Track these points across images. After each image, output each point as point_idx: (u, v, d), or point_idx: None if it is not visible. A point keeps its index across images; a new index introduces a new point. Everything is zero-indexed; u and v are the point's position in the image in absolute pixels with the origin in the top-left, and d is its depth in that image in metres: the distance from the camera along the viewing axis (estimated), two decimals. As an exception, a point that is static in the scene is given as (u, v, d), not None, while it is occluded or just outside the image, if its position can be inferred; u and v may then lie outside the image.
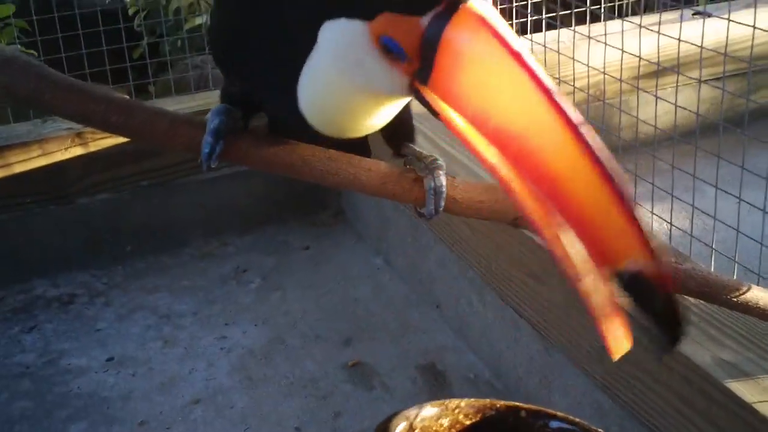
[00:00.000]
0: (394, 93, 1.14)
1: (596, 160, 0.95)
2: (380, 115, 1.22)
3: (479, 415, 1.28)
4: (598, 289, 0.98)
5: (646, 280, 0.96)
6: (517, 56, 0.96)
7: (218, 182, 2.99)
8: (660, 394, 1.68)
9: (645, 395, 1.72)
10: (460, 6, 0.98)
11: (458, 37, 0.98)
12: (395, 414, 1.21)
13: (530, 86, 0.96)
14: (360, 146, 1.38)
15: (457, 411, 1.27)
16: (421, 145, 2.44)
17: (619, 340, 1.00)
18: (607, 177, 0.95)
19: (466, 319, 2.41)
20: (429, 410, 1.25)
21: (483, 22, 0.97)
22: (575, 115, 0.95)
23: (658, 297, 0.97)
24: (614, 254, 0.96)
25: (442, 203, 1.33)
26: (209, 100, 2.92)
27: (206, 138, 1.23)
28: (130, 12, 3.84)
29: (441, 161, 1.33)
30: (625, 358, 1.73)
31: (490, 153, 1.00)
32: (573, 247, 0.98)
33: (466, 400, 1.29)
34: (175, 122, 1.25)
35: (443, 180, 1.32)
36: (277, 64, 1.18)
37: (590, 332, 1.83)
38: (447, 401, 1.27)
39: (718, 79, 3.26)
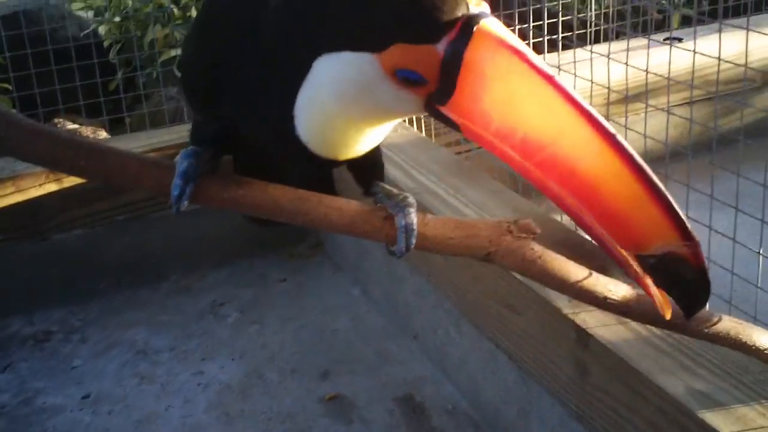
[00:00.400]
0: (408, 113, 1.19)
1: (627, 156, 1.04)
2: (381, 133, 1.26)
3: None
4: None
5: (681, 258, 1.07)
6: (538, 70, 1.03)
7: (195, 215, 2.95)
8: (635, 424, 1.68)
9: (620, 425, 1.72)
10: (476, 28, 1.02)
11: (480, 57, 1.03)
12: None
13: (554, 95, 1.03)
14: (327, 185, 1.39)
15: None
16: (395, 176, 2.47)
17: (664, 302, 1.14)
18: (638, 169, 1.04)
19: (443, 349, 2.41)
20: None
21: (501, 41, 1.03)
22: (598, 115, 1.03)
23: (691, 272, 1.08)
24: (652, 238, 1.07)
25: (413, 241, 1.34)
26: (184, 133, 2.91)
27: (176, 181, 1.23)
28: (105, 44, 3.85)
29: (411, 199, 1.35)
30: (601, 387, 1.74)
31: (514, 160, 1.08)
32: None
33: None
34: (145, 165, 1.25)
35: (414, 218, 1.33)
36: (267, 93, 1.19)
37: (565, 362, 1.84)
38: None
39: (688, 103, 3.31)
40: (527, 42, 2.82)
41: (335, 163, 1.28)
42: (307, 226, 1.33)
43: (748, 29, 1.97)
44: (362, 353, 2.56)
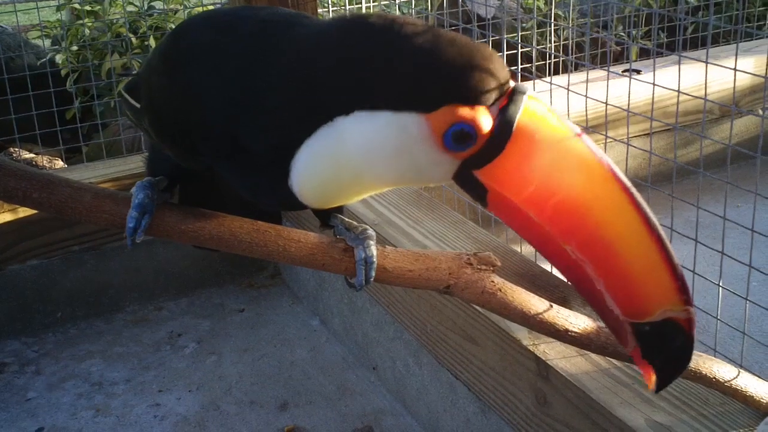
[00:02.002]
0: (434, 179, 1.16)
1: (650, 223, 1.08)
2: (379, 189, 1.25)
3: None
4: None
5: (677, 324, 1.10)
6: (580, 136, 1.08)
7: (153, 245, 2.96)
8: (595, 456, 1.68)
9: (581, 458, 1.72)
10: (526, 95, 1.07)
11: (531, 122, 1.07)
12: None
13: (597, 163, 1.08)
14: (276, 215, 1.38)
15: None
16: (355, 207, 2.46)
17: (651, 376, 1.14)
18: (657, 235, 1.08)
19: (402, 381, 2.40)
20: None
21: (548, 109, 1.08)
22: (627, 180, 1.08)
23: (681, 338, 1.11)
24: (658, 304, 1.10)
25: (373, 273, 1.33)
26: (141, 163, 2.87)
27: (131, 213, 1.22)
28: (63, 73, 3.82)
29: (371, 231, 1.34)
30: (561, 420, 1.74)
31: (534, 228, 1.11)
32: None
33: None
34: (99, 197, 1.23)
35: (374, 250, 1.33)
36: (260, 143, 1.15)
37: (524, 393, 1.83)
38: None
39: (647, 135, 3.34)
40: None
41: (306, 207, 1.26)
42: (265, 258, 1.32)
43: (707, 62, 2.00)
44: (321, 385, 2.54)
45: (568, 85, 2.39)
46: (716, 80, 3.05)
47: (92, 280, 2.89)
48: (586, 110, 2.34)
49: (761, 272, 1.70)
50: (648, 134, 3.33)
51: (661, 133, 3.35)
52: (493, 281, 1.38)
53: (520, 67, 2.83)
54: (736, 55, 1.93)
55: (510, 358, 1.88)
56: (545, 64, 3.45)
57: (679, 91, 1.99)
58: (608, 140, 2.30)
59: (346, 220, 1.36)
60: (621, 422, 1.59)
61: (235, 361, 2.66)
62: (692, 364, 1.46)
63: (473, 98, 1.05)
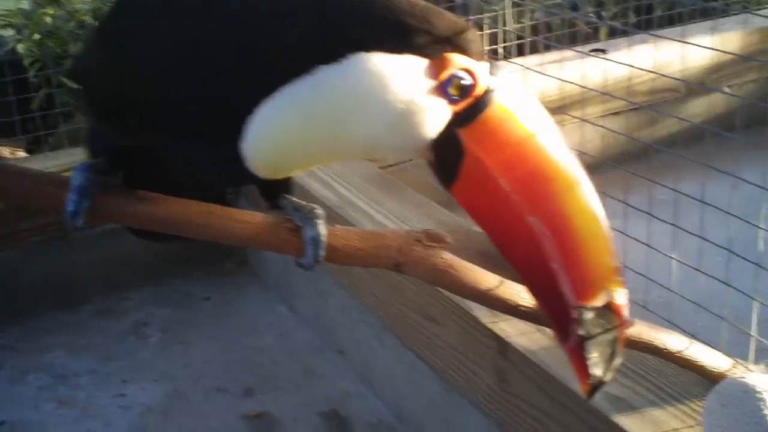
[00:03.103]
0: (425, 136, 1.10)
1: (593, 201, 1.10)
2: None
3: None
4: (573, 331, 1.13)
5: (615, 311, 1.11)
6: (546, 113, 1.11)
7: (117, 235, 2.92)
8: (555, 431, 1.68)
9: (541, 434, 1.72)
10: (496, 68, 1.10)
11: (506, 92, 1.09)
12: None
13: (557, 137, 1.10)
14: (222, 196, 1.37)
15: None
16: (316, 189, 2.45)
17: (586, 378, 1.15)
18: (601, 216, 1.10)
19: (368, 363, 2.39)
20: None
21: (518, 83, 1.12)
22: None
23: (616, 331, 1.13)
24: (599, 285, 1.11)
25: (322, 253, 1.32)
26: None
27: (70, 196, 1.19)
28: (26, 62, 3.77)
29: (319, 210, 1.32)
30: (520, 396, 1.74)
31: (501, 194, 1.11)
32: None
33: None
34: (39, 182, 1.22)
35: (322, 229, 1.31)
36: (208, 107, 1.10)
37: (485, 372, 1.83)
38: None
39: (615, 114, 3.35)
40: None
41: (258, 181, 1.22)
42: (213, 240, 1.31)
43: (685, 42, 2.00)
44: (288, 370, 2.53)
45: (542, 64, 2.39)
46: (680, 59, 3.06)
47: (56, 271, 2.86)
48: (542, 90, 2.34)
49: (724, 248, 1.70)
50: (615, 114, 3.35)
51: (629, 112, 3.35)
52: (443, 258, 1.37)
53: (486, 48, 2.83)
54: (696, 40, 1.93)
55: (470, 336, 1.88)
56: (511, 45, 3.44)
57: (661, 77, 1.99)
58: (574, 120, 2.30)
59: (295, 200, 1.35)
60: (577, 396, 1.60)
61: (201, 349, 2.65)
62: (644, 336, 1.46)
63: (471, 53, 1.07)
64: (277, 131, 1.10)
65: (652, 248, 1.82)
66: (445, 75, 1.06)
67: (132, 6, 1.20)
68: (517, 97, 1.11)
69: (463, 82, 1.07)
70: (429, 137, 1.10)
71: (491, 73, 1.10)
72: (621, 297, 1.12)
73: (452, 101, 1.08)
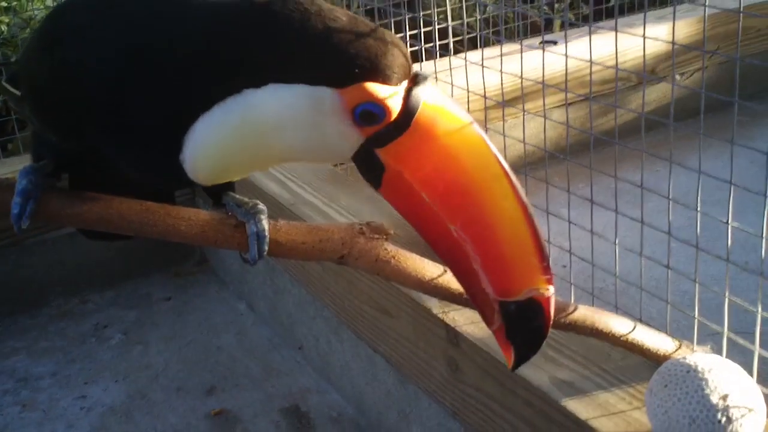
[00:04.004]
0: (337, 155, 1.19)
1: (526, 208, 1.14)
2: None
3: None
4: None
5: (539, 304, 1.16)
6: (471, 121, 1.13)
7: (76, 238, 2.93)
8: (506, 418, 1.71)
9: (493, 420, 1.75)
10: (428, 81, 1.12)
11: (433, 105, 1.12)
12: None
13: (487, 149, 1.14)
14: (170, 196, 1.39)
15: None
16: (271, 188, 2.46)
17: (510, 354, 1.21)
18: (531, 220, 1.14)
19: (326, 358, 2.41)
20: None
21: (444, 96, 1.13)
22: (510, 170, 1.14)
23: (540, 319, 1.17)
24: (522, 283, 1.16)
25: (266, 247, 1.34)
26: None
27: (15, 199, 1.21)
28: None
29: (262, 206, 1.35)
30: (472, 384, 1.76)
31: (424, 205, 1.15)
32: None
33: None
34: (-18, 185, 1.23)
35: (265, 224, 1.33)
36: (149, 118, 1.14)
37: (438, 361, 1.86)
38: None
39: (570, 104, 3.38)
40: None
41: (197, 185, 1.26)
42: (159, 237, 1.32)
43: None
44: (248, 367, 2.55)
45: (482, 64, 2.41)
46: (632, 48, 3.09)
47: (14, 275, 2.86)
48: (502, 84, 2.36)
49: (676, 239, 1.71)
50: (570, 104, 3.38)
51: (579, 103, 3.38)
52: (386, 249, 1.40)
53: (437, 43, 2.85)
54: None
55: (422, 327, 1.91)
56: (463, 39, 3.47)
57: (591, 62, 2.02)
58: (525, 113, 2.32)
59: (237, 196, 1.37)
60: (526, 382, 1.62)
61: (162, 350, 2.66)
62: (588, 321, 1.49)
63: (385, 79, 1.08)
64: (211, 144, 1.15)
65: (599, 236, 1.84)
66: (354, 105, 1.09)
67: (75, 10, 1.22)
68: (441, 110, 1.13)
69: (373, 111, 1.09)
70: (345, 156, 1.16)
71: (417, 85, 1.12)
72: (546, 292, 1.16)
73: (364, 127, 1.11)
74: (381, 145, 1.13)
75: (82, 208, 1.27)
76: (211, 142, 1.14)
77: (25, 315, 2.86)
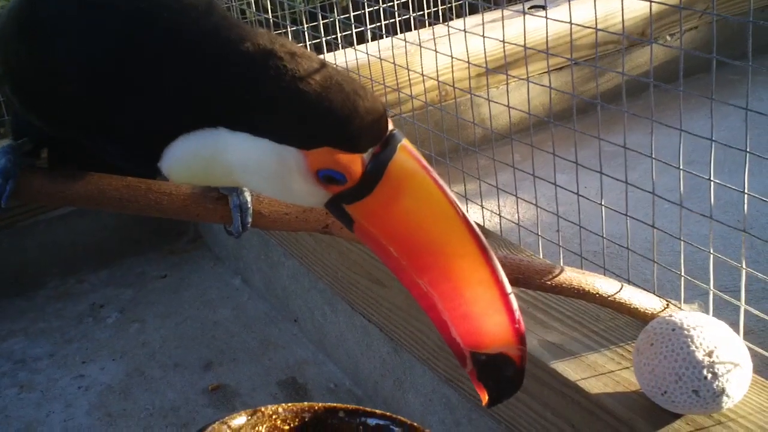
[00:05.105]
0: (308, 204, 1.22)
1: (496, 273, 1.14)
2: None
3: (297, 420, 1.29)
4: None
5: (509, 359, 1.17)
6: (442, 188, 1.13)
7: (69, 219, 2.95)
8: (498, 382, 1.72)
9: (485, 385, 1.76)
10: (399, 145, 1.10)
11: (399, 170, 1.11)
12: (204, 428, 1.20)
13: (453, 213, 1.13)
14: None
15: (274, 417, 1.27)
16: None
17: (484, 394, 1.20)
18: (501, 284, 1.14)
19: (322, 330, 2.42)
20: (241, 419, 1.25)
21: (418, 159, 1.12)
22: (480, 233, 1.14)
23: (512, 371, 1.18)
24: (491, 340, 1.16)
25: (249, 219, 1.35)
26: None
27: (-6, 180, 1.22)
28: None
29: (244, 179, 1.35)
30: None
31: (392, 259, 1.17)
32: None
33: (284, 405, 1.29)
34: (-39, 166, 1.23)
35: (248, 196, 1.34)
36: (140, 124, 1.14)
37: (430, 329, 1.87)
38: (263, 407, 1.27)
39: (559, 69, 3.37)
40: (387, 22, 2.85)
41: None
42: (142, 213, 1.33)
43: None
44: (244, 342, 2.56)
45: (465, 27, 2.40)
46: (619, 10, 3.07)
47: (9, 259, 2.87)
48: (485, 52, 2.34)
49: (664, 199, 1.71)
50: (558, 69, 3.37)
51: (573, 66, 3.37)
52: (369, 218, 1.40)
53: (426, 11, 2.85)
54: None
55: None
56: (451, 6, 3.45)
57: (571, 23, 2.00)
58: (511, 80, 2.31)
59: (219, 170, 1.37)
60: (516, 346, 1.63)
61: (158, 327, 2.67)
62: (574, 282, 1.50)
63: (350, 146, 1.08)
64: (185, 167, 1.16)
65: (588, 199, 1.84)
66: (316, 168, 1.09)
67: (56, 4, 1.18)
68: (409, 173, 1.12)
69: (334, 177, 1.09)
70: (315, 205, 1.17)
71: (387, 147, 1.10)
72: (516, 350, 1.16)
73: (328, 186, 1.11)
74: (347, 202, 1.13)
75: (63, 186, 1.27)
76: (185, 165, 1.15)
77: (21, 297, 2.87)
